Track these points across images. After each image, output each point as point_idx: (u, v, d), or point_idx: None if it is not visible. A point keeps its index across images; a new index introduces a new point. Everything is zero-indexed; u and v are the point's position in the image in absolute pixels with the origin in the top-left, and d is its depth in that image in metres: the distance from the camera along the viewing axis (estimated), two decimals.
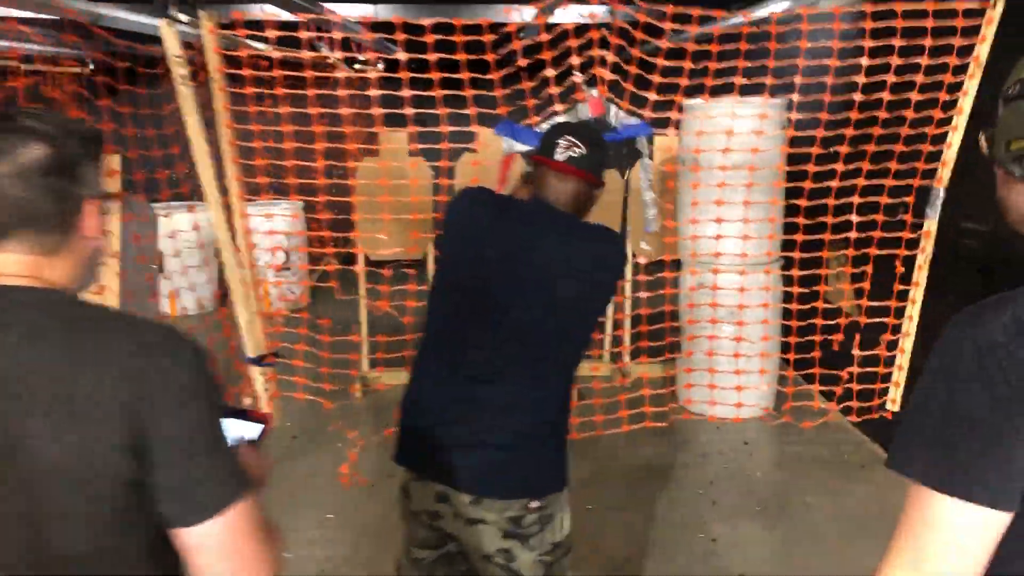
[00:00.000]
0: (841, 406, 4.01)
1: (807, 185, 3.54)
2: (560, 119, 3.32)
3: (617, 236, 2.16)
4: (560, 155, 2.05)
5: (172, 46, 3.09)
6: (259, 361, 3.45)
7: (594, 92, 3.28)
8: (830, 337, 3.81)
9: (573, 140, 2.06)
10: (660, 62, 3.32)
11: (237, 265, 3.33)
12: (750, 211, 3.88)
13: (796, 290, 3.87)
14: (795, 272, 3.84)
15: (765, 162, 4.03)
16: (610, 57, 3.28)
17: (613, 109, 3.35)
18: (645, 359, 4.19)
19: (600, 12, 3.24)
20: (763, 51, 3.38)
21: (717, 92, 3.57)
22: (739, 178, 3.86)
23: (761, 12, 5.35)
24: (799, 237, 3.72)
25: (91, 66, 6.90)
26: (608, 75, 3.31)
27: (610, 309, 5.36)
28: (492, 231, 2.03)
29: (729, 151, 3.63)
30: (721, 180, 3.69)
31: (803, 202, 3.60)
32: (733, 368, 4.08)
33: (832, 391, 3.94)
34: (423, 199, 5.04)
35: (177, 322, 5.54)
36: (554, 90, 3.35)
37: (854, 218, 3.55)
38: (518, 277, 1.97)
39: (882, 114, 3.39)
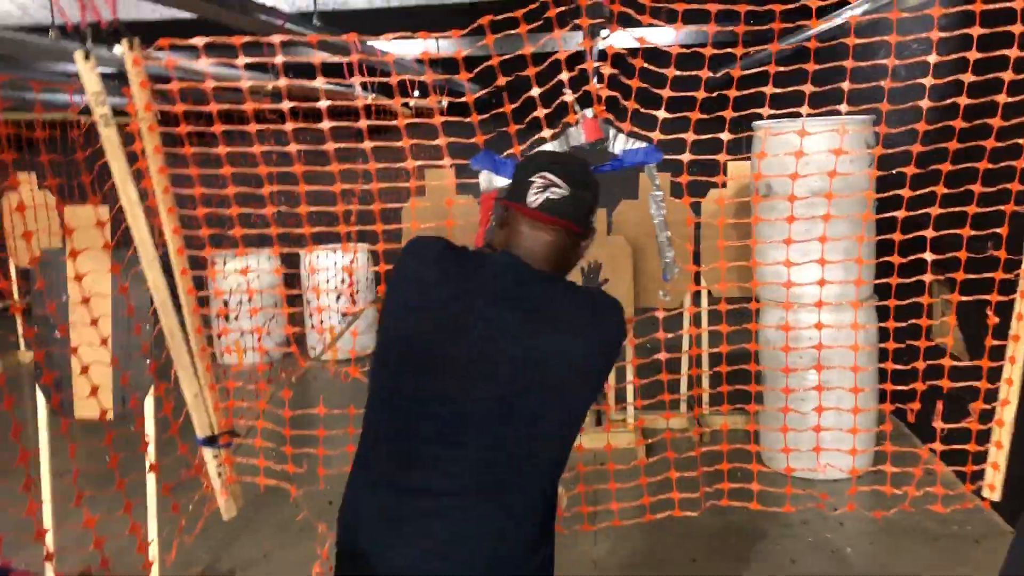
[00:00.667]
0: (952, 469, 3.25)
1: (901, 215, 2.86)
2: (548, 148, 2.75)
3: (610, 307, 1.68)
4: (533, 198, 1.63)
5: (90, 82, 2.67)
6: (211, 442, 2.97)
7: (588, 113, 2.69)
8: (936, 382, 3.04)
9: (551, 178, 1.63)
10: (671, 72, 2.72)
11: (179, 328, 2.87)
12: (833, 242, 3.24)
13: (892, 325, 3.15)
14: (891, 302, 3.12)
15: (848, 187, 3.47)
16: (606, 70, 2.69)
17: (612, 132, 2.75)
18: (726, 407, 3.52)
19: (653, 36, 2.66)
20: (836, 56, 2.75)
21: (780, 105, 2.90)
22: (817, 206, 3.24)
23: (837, 20, 4.69)
24: (894, 259, 3.02)
25: None
26: (605, 91, 2.72)
27: (685, 342, 4.78)
28: (438, 302, 1.62)
29: (803, 176, 3.04)
30: (797, 207, 3.04)
31: (897, 236, 2.94)
32: (820, 421, 3.35)
33: (940, 449, 3.13)
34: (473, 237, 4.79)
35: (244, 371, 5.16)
36: (541, 112, 2.78)
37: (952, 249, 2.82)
38: (467, 366, 1.57)
39: (958, 124, 2.69)
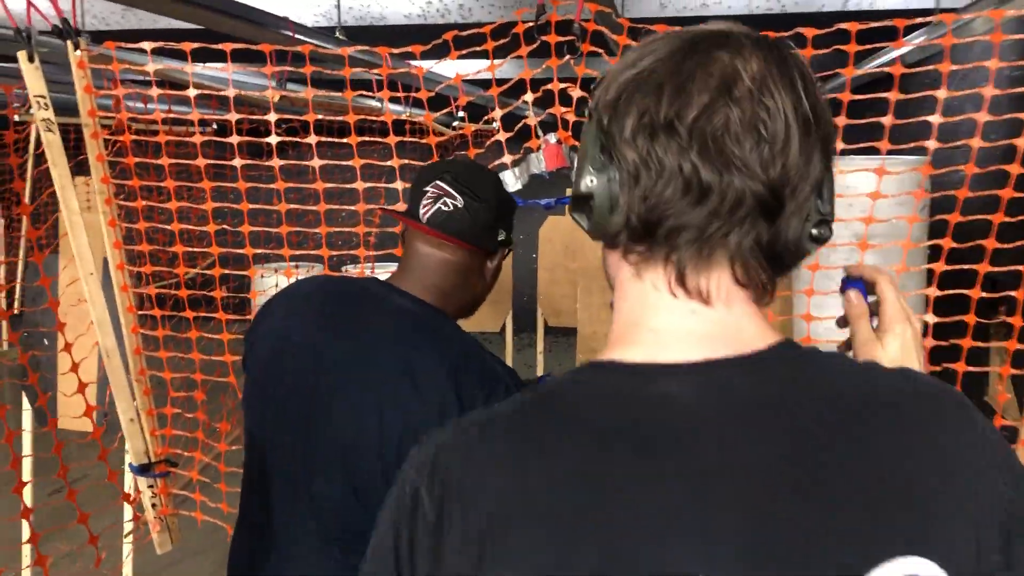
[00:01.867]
0: None
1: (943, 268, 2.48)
2: (507, 175, 2.49)
3: (495, 373, 1.46)
4: (424, 210, 1.52)
5: (33, 84, 2.55)
6: (146, 471, 2.79)
7: (552, 138, 2.42)
8: None
9: (444, 188, 1.51)
10: None
11: (117, 349, 2.71)
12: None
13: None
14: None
15: (893, 235, 3.04)
16: (575, 92, 2.42)
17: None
18: None
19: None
20: (879, 86, 2.42)
21: None
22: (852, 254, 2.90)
23: (882, 60, 4.30)
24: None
25: None
26: (572, 116, 2.45)
27: None
28: (298, 353, 1.49)
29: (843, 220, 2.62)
30: (828, 254, 2.69)
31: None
32: None
33: None
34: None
35: None
36: (502, 136, 2.53)
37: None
38: (314, 433, 1.44)
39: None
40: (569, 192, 2.55)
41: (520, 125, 2.47)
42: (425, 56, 4.15)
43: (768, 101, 0.73)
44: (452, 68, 3.60)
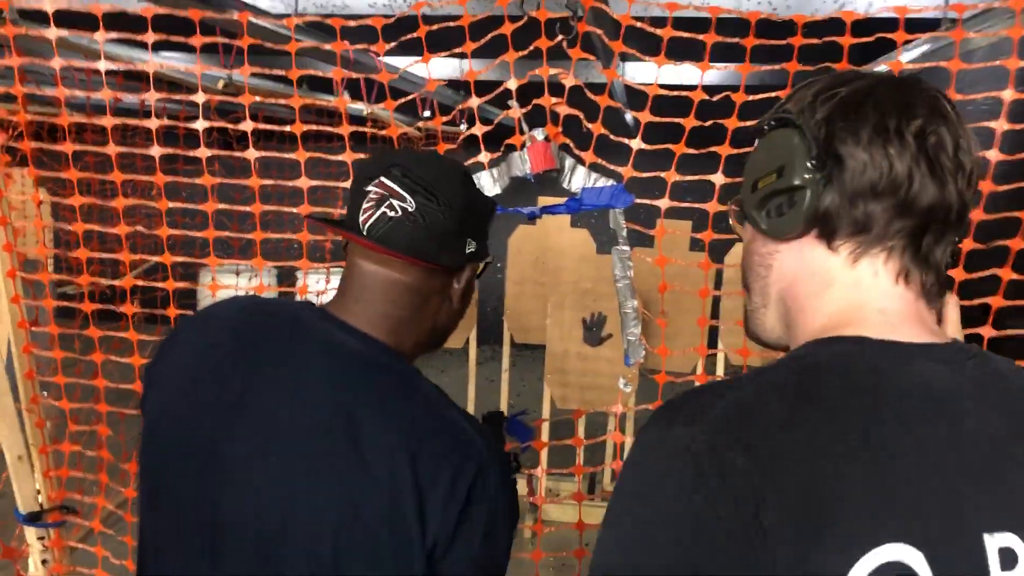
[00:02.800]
0: None
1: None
2: (484, 177, 2.07)
3: (466, 440, 1.14)
4: (364, 216, 1.18)
5: None
6: (35, 519, 2.32)
7: (539, 134, 2.01)
8: None
9: (390, 186, 1.17)
10: (690, 121, 2.02)
11: (5, 374, 2.24)
12: None
13: None
14: None
15: None
16: (569, 80, 2.01)
17: (570, 163, 2.06)
18: None
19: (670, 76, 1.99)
20: None
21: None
22: None
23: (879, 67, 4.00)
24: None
25: None
26: (564, 108, 2.03)
27: None
28: (204, 405, 1.16)
29: None
30: None
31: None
32: None
33: None
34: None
35: None
36: (479, 130, 2.10)
37: None
38: (221, 515, 1.12)
39: None
40: (549, 201, 1.99)
41: (501, 118, 2.05)
42: (392, 52, 3.73)
43: (962, 137, 0.86)
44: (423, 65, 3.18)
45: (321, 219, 1.25)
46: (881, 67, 4.34)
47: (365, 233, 1.17)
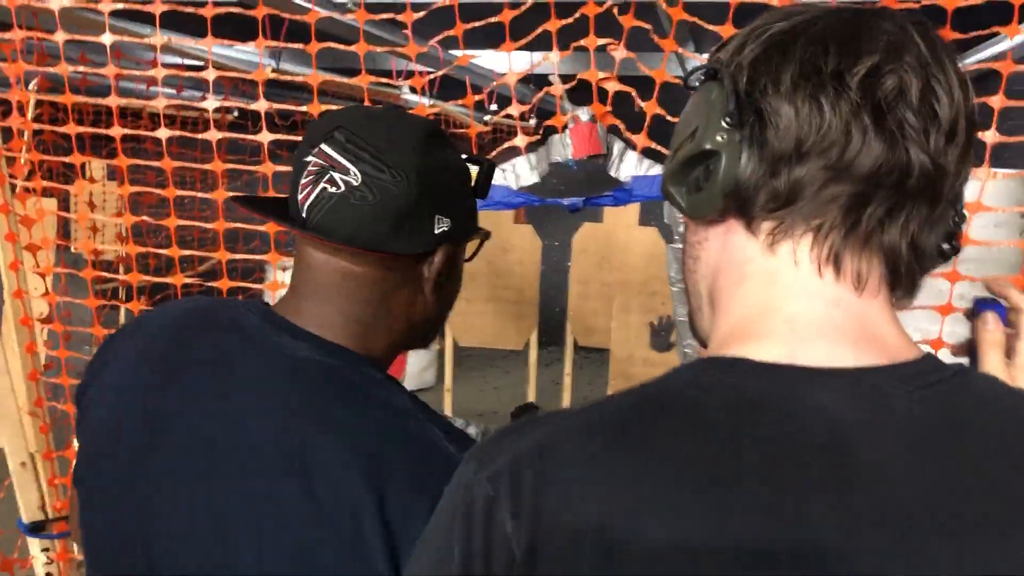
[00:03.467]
0: None
1: None
2: (520, 163, 1.81)
3: (443, 461, 0.90)
4: (302, 195, 0.97)
5: None
6: (40, 529, 2.16)
7: (583, 114, 1.75)
8: None
9: (330, 155, 0.95)
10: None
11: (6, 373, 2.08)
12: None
13: None
14: None
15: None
16: (620, 53, 1.74)
17: (619, 147, 1.79)
18: None
19: None
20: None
21: None
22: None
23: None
24: None
25: None
26: (614, 83, 1.76)
27: None
28: (133, 427, 0.98)
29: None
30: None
31: None
32: None
33: None
34: (529, 277, 4.10)
35: None
36: (516, 110, 1.85)
37: None
38: (156, 556, 0.95)
39: None
40: (593, 194, 1.65)
41: (542, 95, 1.79)
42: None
43: (937, 82, 0.66)
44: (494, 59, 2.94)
45: (245, 200, 1.02)
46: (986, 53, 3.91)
47: (304, 215, 0.95)
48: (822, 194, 0.67)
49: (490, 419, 6.64)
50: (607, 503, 0.61)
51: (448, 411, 5.07)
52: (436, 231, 0.99)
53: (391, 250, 0.96)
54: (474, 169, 1.06)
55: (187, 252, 2.06)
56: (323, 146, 0.95)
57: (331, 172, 0.94)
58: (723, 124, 0.69)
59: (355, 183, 0.93)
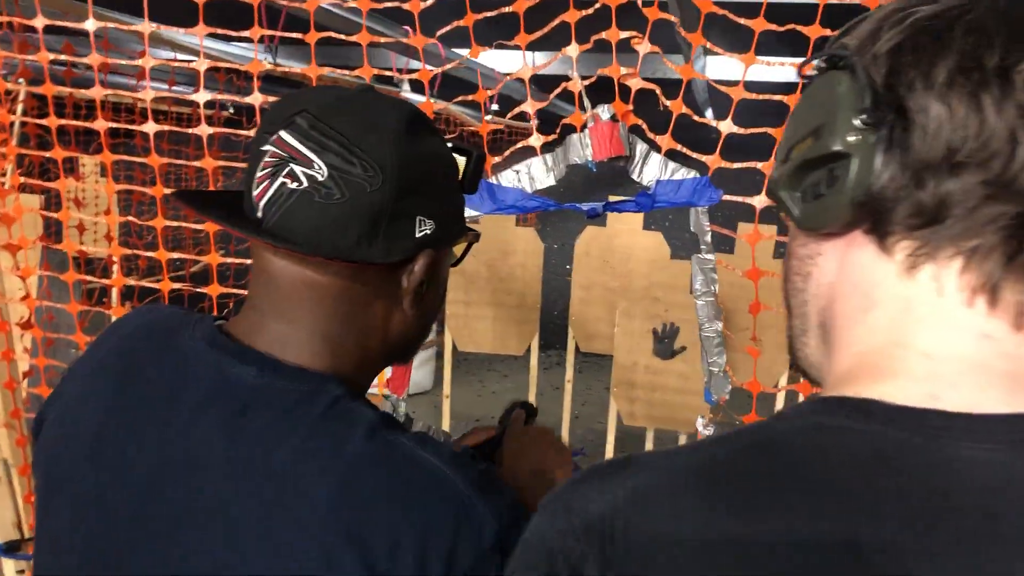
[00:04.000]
0: None
1: None
2: (536, 164, 1.69)
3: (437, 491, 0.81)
4: (258, 192, 0.83)
5: None
6: (15, 550, 2.03)
7: (604, 113, 1.62)
8: None
9: (290, 144, 0.81)
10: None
11: None
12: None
13: None
14: None
15: None
16: (643, 47, 1.62)
17: (642, 148, 1.66)
18: None
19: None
20: None
21: None
22: None
23: None
24: None
25: None
26: (637, 80, 1.64)
27: None
28: (80, 466, 0.85)
29: None
30: None
31: None
32: None
33: None
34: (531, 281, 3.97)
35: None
36: (530, 106, 1.72)
37: None
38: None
39: None
40: (615, 198, 1.50)
41: (558, 91, 1.67)
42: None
43: None
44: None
45: (184, 195, 0.88)
46: None
47: (259, 215, 0.81)
48: (978, 213, 0.56)
49: (486, 423, 6.52)
50: (715, 570, 0.53)
51: (446, 417, 4.94)
52: (417, 235, 0.86)
53: (363, 259, 0.82)
54: (461, 161, 0.93)
55: (175, 255, 1.93)
56: (282, 133, 0.81)
57: (291, 164, 0.80)
58: (857, 123, 0.59)
59: (320, 177, 0.79)
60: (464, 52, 1.81)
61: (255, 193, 0.82)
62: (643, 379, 4.59)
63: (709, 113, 6.04)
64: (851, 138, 0.59)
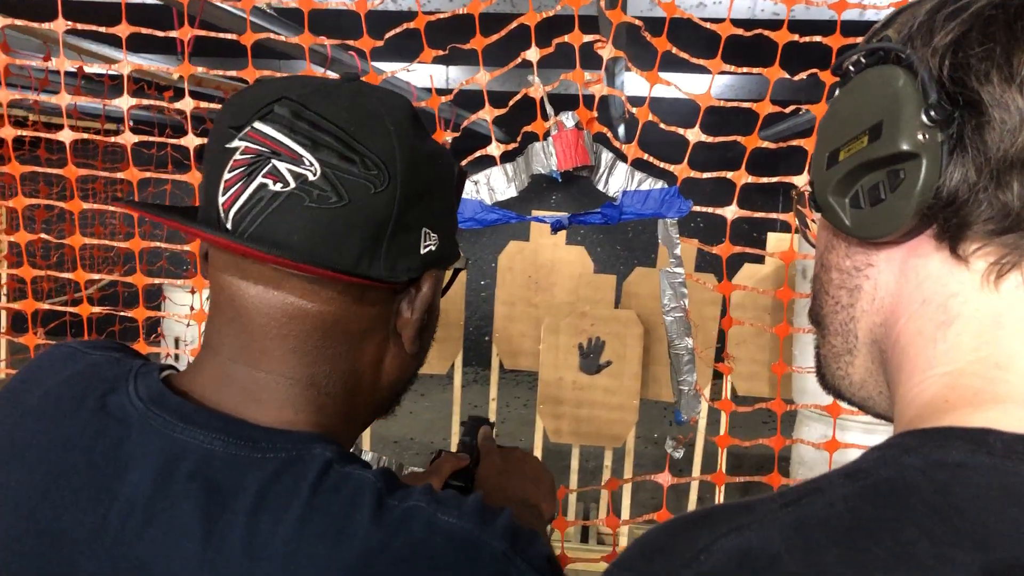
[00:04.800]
0: None
1: None
2: (496, 174, 1.59)
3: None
4: (227, 198, 0.64)
5: None
6: None
7: (568, 120, 1.54)
8: None
9: (270, 137, 0.64)
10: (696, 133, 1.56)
11: None
12: None
13: None
14: None
15: None
16: (607, 52, 1.54)
17: (607, 158, 1.59)
18: None
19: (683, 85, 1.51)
20: None
21: None
22: None
23: None
24: None
25: None
26: (601, 87, 1.56)
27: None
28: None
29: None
30: None
31: None
32: None
33: None
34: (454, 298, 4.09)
35: None
36: (488, 114, 1.63)
37: None
38: None
39: None
40: (579, 210, 1.36)
41: (519, 98, 1.58)
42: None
43: None
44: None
45: (145, 206, 0.69)
46: None
47: (228, 227, 0.65)
48: None
49: (406, 446, 6.35)
50: None
51: (366, 439, 4.77)
52: (422, 251, 0.71)
53: (366, 275, 0.67)
54: None
55: (51, 273, 1.75)
56: (258, 124, 0.65)
57: (273, 160, 0.64)
58: (923, 119, 0.53)
59: (312, 176, 0.64)
60: (382, 64, 1.72)
61: (222, 201, 0.65)
62: (569, 395, 4.54)
63: (621, 130, 6.06)
64: (920, 135, 0.53)
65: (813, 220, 0.67)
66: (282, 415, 0.68)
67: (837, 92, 0.62)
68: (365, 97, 0.68)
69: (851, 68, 0.60)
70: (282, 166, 0.64)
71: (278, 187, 0.64)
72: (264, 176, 0.64)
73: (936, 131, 0.53)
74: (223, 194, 0.65)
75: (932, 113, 0.53)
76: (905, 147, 0.54)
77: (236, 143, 0.65)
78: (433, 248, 0.72)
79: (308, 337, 0.68)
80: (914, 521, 0.48)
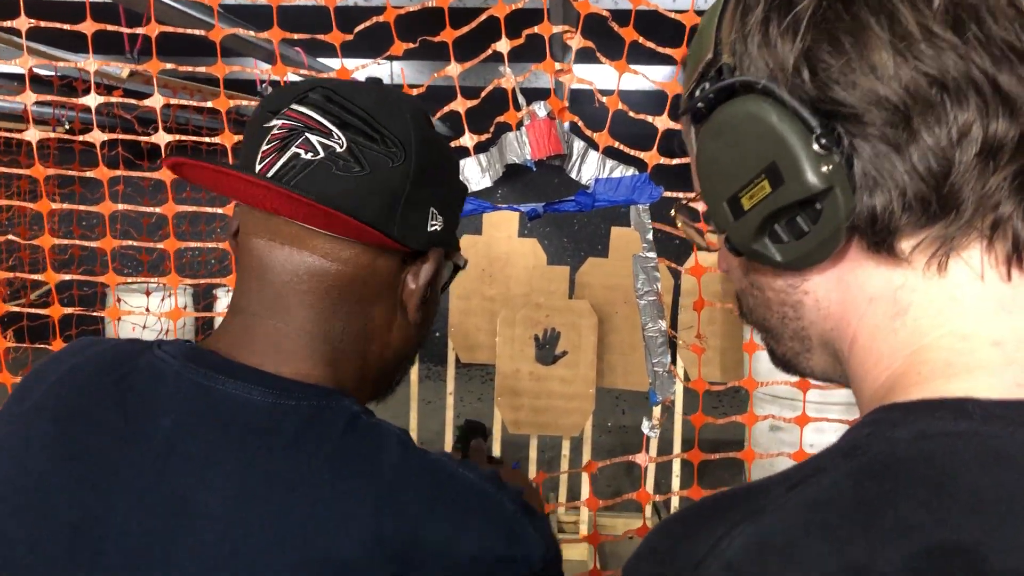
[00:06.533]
0: None
1: None
2: (470, 164, 1.61)
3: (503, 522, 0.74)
4: (263, 164, 0.73)
5: None
6: None
7: (540, 110, 1.57)
8: None
9: (306, 115, 0.74)
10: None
11: None
12: None
13: None
14: None
15: None
16: (576, 43, 1.58)
17: (579, 146, 1.62)
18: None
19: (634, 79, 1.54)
20: None
21: None
22: None
23: None
24: None
25: None
26: (572, 78, 1.59)
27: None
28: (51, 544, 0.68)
29: None
30: None
31: None
32: None
33: None
34: None
35: None
36: (461, 106, 1.65)
37: None
38: None
39: None
40: (553, 198, 1.41)
41: (491, 88, 1.60)
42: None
43: None
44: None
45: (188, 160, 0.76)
46: None
47: (267, 184, 0.72)
48: (982, 181, 0.51)
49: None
50: None
51: None
52: (429, 228, 0.79)
53: (386, 231, 0.74)
54: None
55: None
56: (295, 105, 0.74)
57: (306, 134, 0.72)
58: (817, 149, 0.52)
59: (339, 148, 0.72)
60: (328, 61, 1.73)
61: (259, 168, 0.73)
62: (527, 386, 4.58)
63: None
64: (823, 168, 0.53)
65: (709, 230, 0.67)
66: (301, 368, 0.74)
67: (697, 132, 0.60)
68: (387, 91, 0.78)
69: (702, 107, 0.58)
70: (314, 138, 0.72)
71: (309, 156, 0.72)
72: (297, 147, 0.72)
73: (831, 156, 0.53)
74: (260, 162, 0.73)
75: (824, 141, 0.52)
76: (815, 184, 0.53)
77: (274, 121, 0.74)
78: (439, 228, 0.81)
79: (326, 294, 0.75)
80: (910, 492, 0.49)
